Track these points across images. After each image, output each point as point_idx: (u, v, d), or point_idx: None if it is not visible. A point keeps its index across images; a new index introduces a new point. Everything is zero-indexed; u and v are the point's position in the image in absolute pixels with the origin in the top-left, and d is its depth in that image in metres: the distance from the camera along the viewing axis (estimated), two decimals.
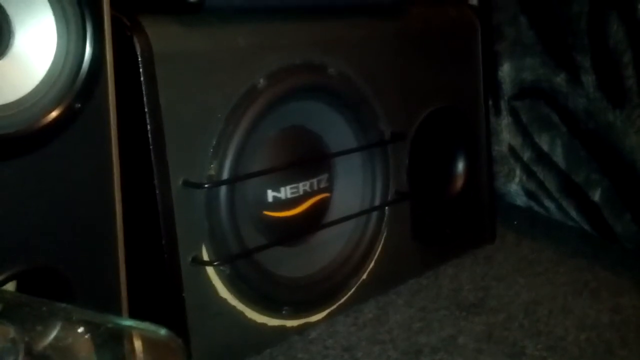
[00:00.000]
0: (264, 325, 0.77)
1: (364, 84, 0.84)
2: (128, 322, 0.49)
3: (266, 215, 0.78)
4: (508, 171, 1.12)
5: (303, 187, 0.80)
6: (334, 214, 0.85)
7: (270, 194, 0.77)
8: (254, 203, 0.77)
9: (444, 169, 1.01)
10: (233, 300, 0.74)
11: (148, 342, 0.44)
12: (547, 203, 1.08)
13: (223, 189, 0.71)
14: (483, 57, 1.01)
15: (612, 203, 0.97)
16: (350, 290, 0.86)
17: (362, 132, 0.85)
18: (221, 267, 0.72)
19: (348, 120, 0.84)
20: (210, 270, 0.72)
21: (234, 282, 0.74)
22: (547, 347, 0.77)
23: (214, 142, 0.70)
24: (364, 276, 0.87)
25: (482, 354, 0.76)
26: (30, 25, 0.53)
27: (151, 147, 0.65)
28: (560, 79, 1.00)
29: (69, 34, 0.55)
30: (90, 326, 0.43)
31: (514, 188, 1.12)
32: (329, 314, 0.84)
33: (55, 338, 0.43)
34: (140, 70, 0.64)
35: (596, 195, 0.99)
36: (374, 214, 0.87)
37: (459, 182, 1.01)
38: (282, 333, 0.79)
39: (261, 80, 0.73)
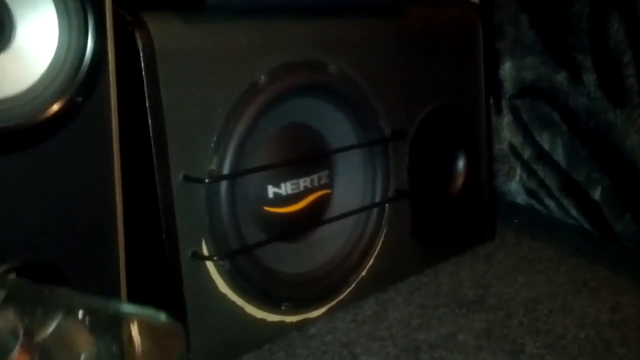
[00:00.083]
0: (263, 320, 0.77)
1: (364, 82, 0.84)
2: (128, 308, 0.50)
3: (266, 211, 0.78)
4: (508, 170, 1.12)
5: (304, 183, 0.81)
6: (334, 210, 0.85)
7: (271, 190, 0.77)
8: (254, 199, 0.77)
9: (444, 168, 1.01)
10: (233, 296, 0.74)
11: (148, 328, 0.44)
12: (548, 201, 1.08)
13: (223, 185, 0.71)
14: (484, 56, 1.02)
15: (613, 202, 0.97)
16: (349, 286, 0.86)
17: (362, 130, 0.85)
18: (221, 263, 0.72)
19: (348, 118, 0.84)
20: (210, 266, 0.72)
21: (234, 278, 0.74)
22: (546, 345, 0.77)
23: (215, 138, 0.71)
24: (364, 273, 0.88)
25: (482, 351, 0.76)
26: (31, 19, 0.54)
27: (152, 141, 0.66)
28: (561, 78, 1.00)
29: (70, 28, 0.55)
30: (90, 311, 0.43)
31: (515, 186, 1.12)
32: (328, 310, 0.84)
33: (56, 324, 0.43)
34: (142, 65, 0.64)
35: (596, 194, 0.99)
36: (374, 212, 0.87)
37: (459, 181, 1.01)
38: (281, 329, 0.79)
39: (262, 78, 0.74)
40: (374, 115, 0.86)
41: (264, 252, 0.77)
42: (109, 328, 0.44)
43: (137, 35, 0.64)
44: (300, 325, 0.81)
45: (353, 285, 0.86)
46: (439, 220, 0.98)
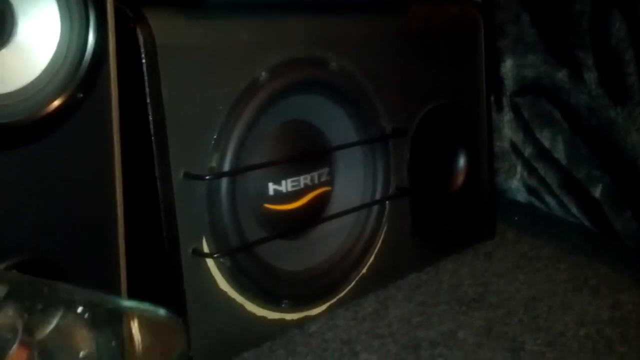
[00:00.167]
0: (263, 318, 0.77)
1: (365, 79, 0.84)
2: (128, 303, 0.50)
3: (267, 208, 0.78)
4: (509, 167, 1.12)
5: (304, 180, 0.80)
6: (334, 207, 0.85)
7: (272, 187, 0.77)
8: (255, 196, 0.77)
9: (444, 165, 1.01)
10: (233, 293, 0.74)
11: (148, 324, 0.44)
12: (548, 199, 1.08)
13: (224, 182, 0.71)
14: (485, 54, 1.01)
15: (613, 200, 0.97)
16: (350, 284, 0.86)
17: (363, 127, 0.85)
18: (221, 260, 0.72)
19: (349, 115, 0.84)
20: (210, 263, 0.72)
21: (234, 275, 0.74)
22: (547, 343, 0.77)
23: (216, 135, 0.71)
24: (364, 270, 0.87)
25: (482, 349, 0.76)
26: (33, 14, 0.53)
27: (153, 138, 0.65)
28: (562, 75, 1.00)
29: (71, 23, 0.55)
30: (89, 306, 0.43)
31: (515, 184, 1.12)
32: (328, 308, 0.84)
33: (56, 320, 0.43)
34: (143, 61, 0.64)
35: (597, 192, 0.99)
36: (375, 209, 0.87)
37: (460, 178, 1.01)
38: (281, 326, 0.79)
39: (263, 74, 0.73)
40: (375, 113, 0.86)
41: (264, 249, 0.77)
42: (109, 323, 0.44)
43: (139, 32, 0.64)
44: (300, 323, 0.81)
45: (353, 283, 0.86)
46: (440, 217, 0.98)
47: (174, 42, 0.67)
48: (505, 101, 1.10)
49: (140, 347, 0.43)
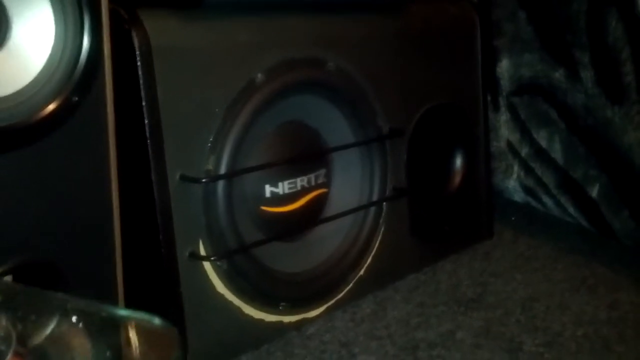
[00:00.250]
0: (261, 321, 0.77)
1: (362, 80, 0.84)
2: (122, 312, 0.49)
3: (264, 210, 0.77)
4: (506, 167, 1.12)
5: (301, 182, 0.80)
6: (331, 209, 0.85)
7: (268, 189, 0.77)
8: (251, 198, 0.76)
9: (442, 166, 1.01)
10: (230, 296, 0.74)
11: (144, 332, 0.44)
12: (545, 199, 1.08)
13: (220, 184, 0.71)
14: (482, 54, 1.01)
15: (610, 199, 0.97)
16: (348, 285, 0.86)
17: (360, 128, 0.85)
18: (218, 263, 0.72)
19: (346, 115, 0.84)
20: (207, 266, 0.72)
21: (232, 278, 0.73)
22: (544, 343, 0.77)
23: (212, 137, 0.70)
24: (362, 272, 0.87)
25: (480, 349, 0.76)
26: (27, 17, 0.53)
27: (149, 141, 0.65)
28: (558, 75, 1.00)
29: (66, 26, 0.54)
30: (84, 315, 0.43)
31: (512, 184, 1.12)
32: (326, 310, 0.84)
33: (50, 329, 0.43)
34: (138, 64, 0.64)
35: (594, 192, 0.99)
36: (372, 210, 0.87)
37: (457, 179, 1.01)
38: (279, 329, 0.79)
39: (259, 75, 0.73)
40: (372, 113, 0.86)
41: (261, 251, 0.76)
42: (103, 333, 0.43)
43: (134, 34, 0.64)
44: (298, 325, 0.81)
45: (351, 284, 0.86)
46: (437, 218, 0.98)
47: (169, 43, 0.67)
48: (502, 101, 1.10)
49: (138, 355, 0.42)
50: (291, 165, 0.80)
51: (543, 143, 1.05)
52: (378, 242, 0.89)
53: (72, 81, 0.55)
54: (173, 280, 0.69)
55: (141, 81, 0.64)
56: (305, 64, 0.78)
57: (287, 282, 0.80)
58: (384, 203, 0.88)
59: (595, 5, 0.93)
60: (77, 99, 0.56)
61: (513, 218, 1.15)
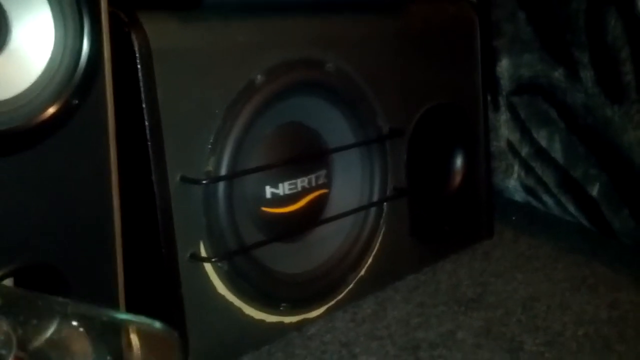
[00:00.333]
0: (262, 321, 0.77)
1: (362, 80, 0.84)
2: (123, 316, 0.49)
3: (264, 211, 0.78)
4: (506, 167, 1.12)
5: (301, 183, 0.80)
6: (332, 210, 0.85)
7: (269, 190, 0.77)
8: (252, 199, 0.77)
9: (442, 165, 1.01)
10: (231, 297, 0.74)
11: (145, 336, 0.44)
12: (546, 198, 1.08)
13: (221, 185, 0.71)
14: (482, 53, 1.01)
15: (610, 198, 0.97)
16: (348, 286, 0.86)
17: (360, 128, 0.85)
18: (219, 264, 0.72)
19: (346, 116, 0.84)
20: (208, 267, 0.72)
21: (232, 279, 0.74)
22: (545, 343, 0.77)
23: (212, 139, 0.70)
24: (363, 272, 0.87)
25: (481, 349, 0.76)
26: (27, 21, 0.53)
27: (149, 143, 0.65)
28: (558, 74, 1.00)
29: (66, 29, 0.54)
30: (84, 319, 0.43)
31: (512, 184, 1.12)
32: (327, 310, 0.84)
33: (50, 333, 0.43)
34: (138, 66, 0.64)
35: (594, 191, 0.99)
36: (372, 210, 0.87)
37: (457, 178, 1.01)
38: (280, 329, 0.79)
39: (259, 77, 0.73)
40: (372, 113, 0.86)
41: (262, 252, 0.77)
42: (104, 337, 0.43)
43: (133, 36, 0.64)
44: (299, 326, 0.81)
45: (352, 285, 0.86)
46: (437, 218, 0.98)
47: (169, 45, 0.67)
48: (502, 101, 1.10)
49: (139, 359, 0.43)
50: (291, 166, 0.80)
51: (543, 142, 1.05)
52: (379, 242, 0.89)
53: (72, 84, 0.56)
54: (174, 281, 0.69)
55: (141, 83, 0.64)
56: (304, 64, 0.78)
57: (288, 282, 0.80)
58: (385, 203, 0.88)
59: (594, 4, 0.93)
60: (77, 101, 0.56)
61: (513, 218, 1.15)
